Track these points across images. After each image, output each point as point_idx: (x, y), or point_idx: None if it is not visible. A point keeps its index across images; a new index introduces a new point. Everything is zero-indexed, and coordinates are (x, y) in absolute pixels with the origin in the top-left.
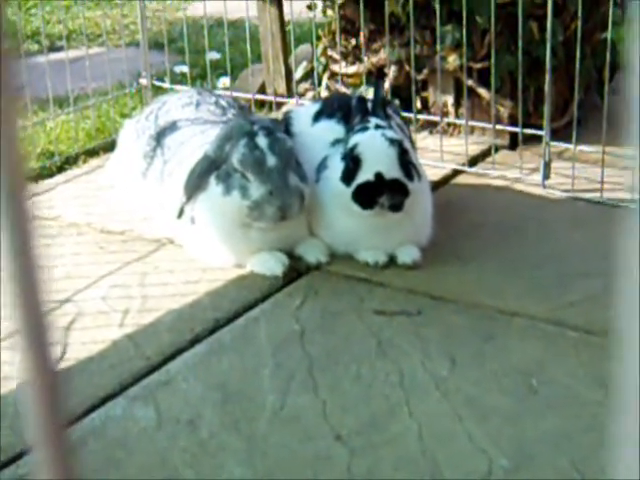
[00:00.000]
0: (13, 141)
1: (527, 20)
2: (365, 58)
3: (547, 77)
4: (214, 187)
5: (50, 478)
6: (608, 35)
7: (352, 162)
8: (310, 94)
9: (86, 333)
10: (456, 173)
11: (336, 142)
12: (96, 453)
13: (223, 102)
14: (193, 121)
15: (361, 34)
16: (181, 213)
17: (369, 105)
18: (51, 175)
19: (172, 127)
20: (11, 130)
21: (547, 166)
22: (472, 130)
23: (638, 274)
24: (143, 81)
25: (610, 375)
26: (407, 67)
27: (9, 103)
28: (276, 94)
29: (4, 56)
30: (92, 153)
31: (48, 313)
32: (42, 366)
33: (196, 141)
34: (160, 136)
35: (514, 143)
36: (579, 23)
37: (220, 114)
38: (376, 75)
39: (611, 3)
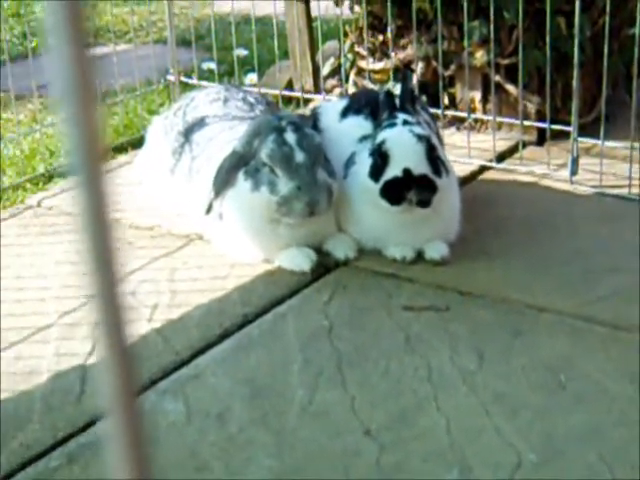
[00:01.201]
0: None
1: (555, 15)
2: (392, 54)
3: (575, 73)
4: (242, 183)
5: (122, 444)
6: (636, 31)
7: (380, 158)
8: (337, 90)
9: None
10: (483, 169)
11: (364, 138)
12: None
13: (251, 98)
14: (221, 117)
15: (388, 30)
16: (209, 209)
17: (397, 101)
18: None
19: (200, 123)
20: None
21: (575, 162)
22: (499, 126)
23: None
24: (171, 78)
25: (638, 370)
26: (434, 63)
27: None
28: (303, 90)
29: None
30: (120, 149)
31: (122, 289)
32: (117, 340)
33: (224, 137)
34: (188, 132)
35: (542, 139)
36: (607, 19)
37: (248, 110)
38: (403, 71)
39: None
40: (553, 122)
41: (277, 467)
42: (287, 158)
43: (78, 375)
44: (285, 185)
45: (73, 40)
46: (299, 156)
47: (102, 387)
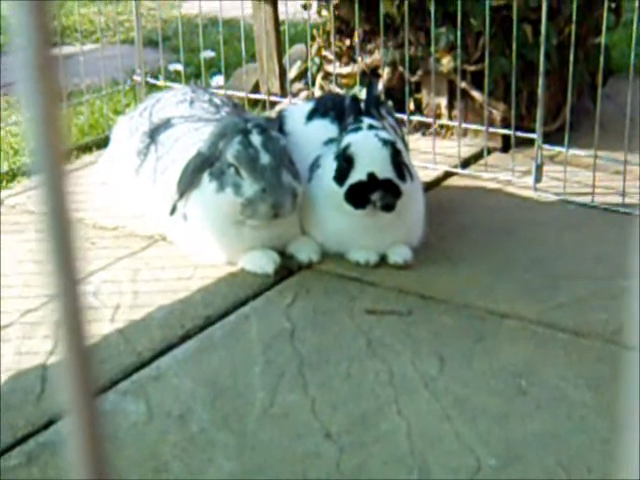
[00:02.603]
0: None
1: (521, 23)
2: (359, 59)
3: (540, 80)
4: (207, 184)
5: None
6: (602, 40)
7: (345, 162)
8: (303, 94)
9: None
10: (448, 175)
11: (329, 141)
12: None
13: (217, 100)
14: (187, 118)
15: (355, 35)
16: (174, 210)
17: (362, 105)
18: None
19: (166, 124)
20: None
21: (539, 169)
22: (465, 132)
23: None
24: (137, 78)
25: (599, 376)
26: (401, 68)
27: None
28: (270, 93)
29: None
30: (85, 149)
31: (83, 286)
32: (77, 340)
33: (190, 138)
34: (154, 133)
35: (506, 146)
36: (573, 27)
37: (214, 112)
38: (370, 76)
39: (605, 8)
40: (518, 129)
41: (237, 468)
42: (252, 160)
43: (38, 374)
44: (250, 187)
45: (38, 39)
46: (264, 158)
47: (61, 386)
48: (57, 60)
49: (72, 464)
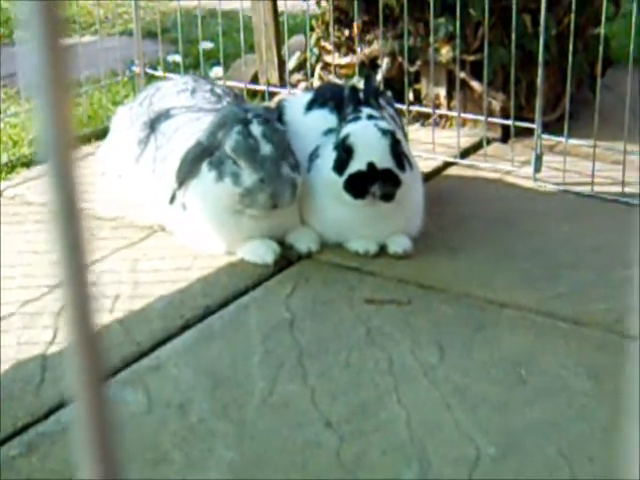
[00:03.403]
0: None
1: (520, 13)
2: (358, 49)
3: (540, 71)
4: (206, 173)
5: (89, 430)
6: (601, 30)
7: (344, 152)
8: (302, 85)
9: None
10: (447, 165)
11: (328, 131)
12: None
13: (218, 90)
14: (188, 108)
15: (354, 25)
16: (173, 199)
17: (361, 95)
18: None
19: (166, 114)
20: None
21: (538, 159)
22: (464, 122)
23: None
24: (136, 69)
25: (599, 365)
26: (400, 59)
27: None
28: (268, 84)
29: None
30: (84, 140)
31: (90, 272)
32: (84, 325)
33: (190, 128)
34: (154, 122)
35: (506, 136)
36: (572, 17)
37: (215, 101)
38: (368, 66)
39: None
40: (517, 119)
41: (237, 458)
42: (252, 150)
43: (38, 364)
44: (249, 177)
45: (48, 29)
46: (264, 149)
47: (69, 373)
48: (68, 51)
49: (78, 451)
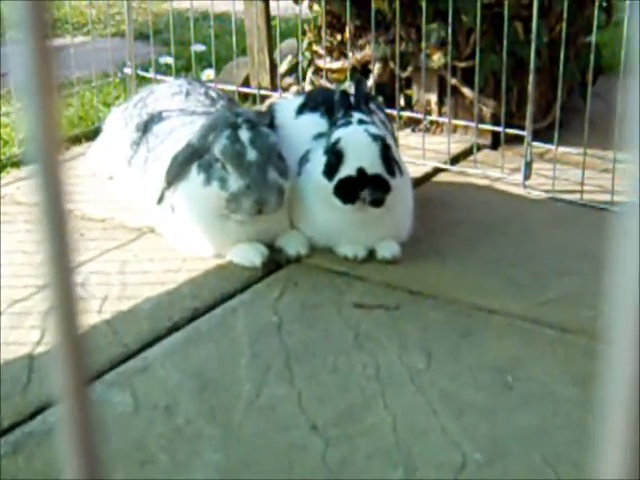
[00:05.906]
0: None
1: (512, 20)
2: (350, 54)
3: (531, 78)
4: (195, 176)
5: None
6: (592, 38)
7: (334, 156)
8: (294, 88)
9: None
10: (438, 171)
11: (319, 136)
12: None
13: (213, 93)
14: (182, 111)
15: (347, 30)
16: (161, 199)
17: (352, 100)
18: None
19: (160, 116)
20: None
21: (528, 166)
22: (455, 129)
23: (636, 275)
24: (127, 71)
25: (585, 373)
26: (392, 64)
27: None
28: (260, 87)
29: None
30: (75, 141)
31: (76, 273)
32: (69, 326)
33: (184, 130)
34: (148, 124)
35: (496, 143)
36: (564, 25)
37: (209, 104)
38: (360, 71)
39: (596, 6)
40: (508, 126)
41: (223, 460)
42: (239, 155)
43: (25, 364)
44: (235, 182)
45: (35, 31)
46: (251, 154)
47: (53, 374)
48: (54, 52)
49: (62, 452)
